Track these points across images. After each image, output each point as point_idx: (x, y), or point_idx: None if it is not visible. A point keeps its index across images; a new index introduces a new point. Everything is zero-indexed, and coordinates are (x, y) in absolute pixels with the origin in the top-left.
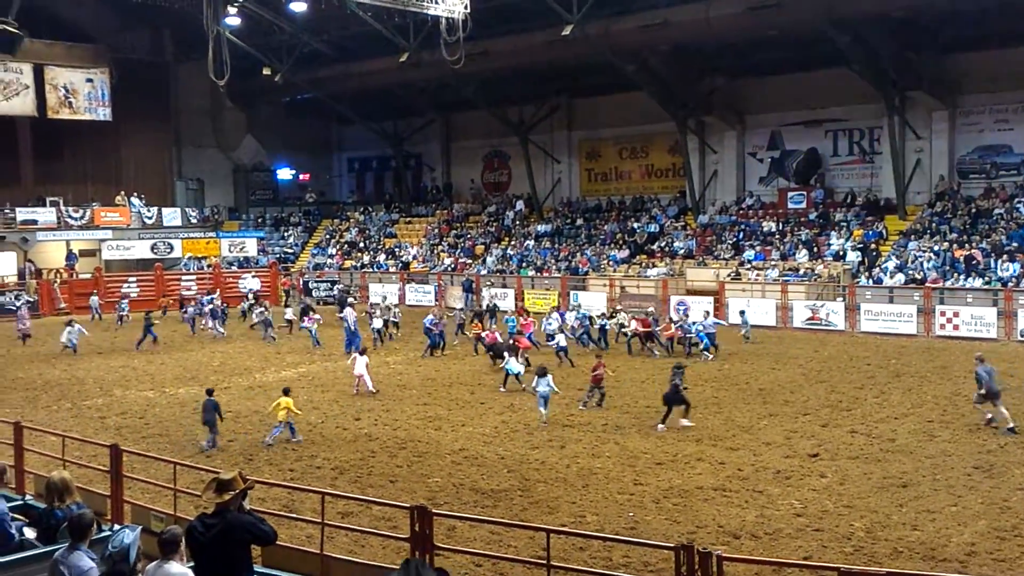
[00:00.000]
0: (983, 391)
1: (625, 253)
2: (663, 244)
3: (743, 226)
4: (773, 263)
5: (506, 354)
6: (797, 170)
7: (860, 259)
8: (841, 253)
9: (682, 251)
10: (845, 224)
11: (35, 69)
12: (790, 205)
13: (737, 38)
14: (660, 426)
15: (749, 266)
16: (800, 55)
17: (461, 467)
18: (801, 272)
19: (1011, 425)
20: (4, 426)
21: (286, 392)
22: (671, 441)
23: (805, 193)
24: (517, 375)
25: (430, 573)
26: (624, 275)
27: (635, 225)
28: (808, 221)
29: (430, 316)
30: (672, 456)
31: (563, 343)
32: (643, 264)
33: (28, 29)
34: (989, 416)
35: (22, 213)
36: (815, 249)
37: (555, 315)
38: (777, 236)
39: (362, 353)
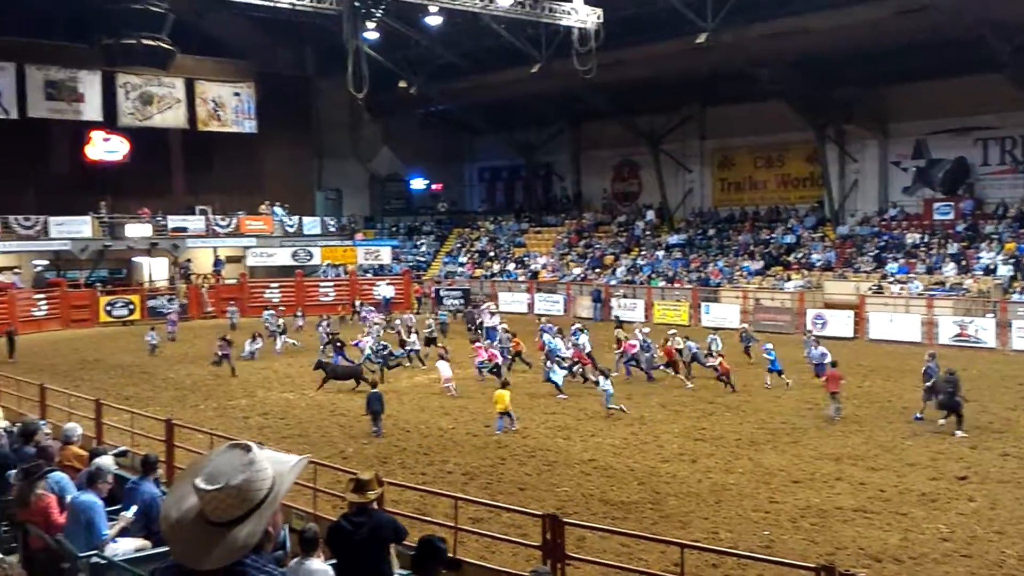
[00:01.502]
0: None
1: (759, 265)
2: (800, 256)
3: (885, 238)
4: (917, 276)
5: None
6: (944, 180)
7: (1012, 273)
8: (992, 267)
9: (820, 263)
10: (996, 236)
11: (186, 84)
12: (936, 216)
13: (879, 44)
14: (959, 432)
15: (892, 279)
16: (947, 60)
17: (590, 477)
18: (948, 286)
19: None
20: (156, 423)
21: (504, 386)
22: (808, 459)
23: (953, 204)
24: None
25: None
26: (758, 287)
27: (770, 236)
28: (956, 233)
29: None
30: (810, 475)
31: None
32: (779, 276)
33: (180, 46)
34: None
35: (173, 221)
36: (963, 262)
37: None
38: (922, 248)
39: (442, 358)
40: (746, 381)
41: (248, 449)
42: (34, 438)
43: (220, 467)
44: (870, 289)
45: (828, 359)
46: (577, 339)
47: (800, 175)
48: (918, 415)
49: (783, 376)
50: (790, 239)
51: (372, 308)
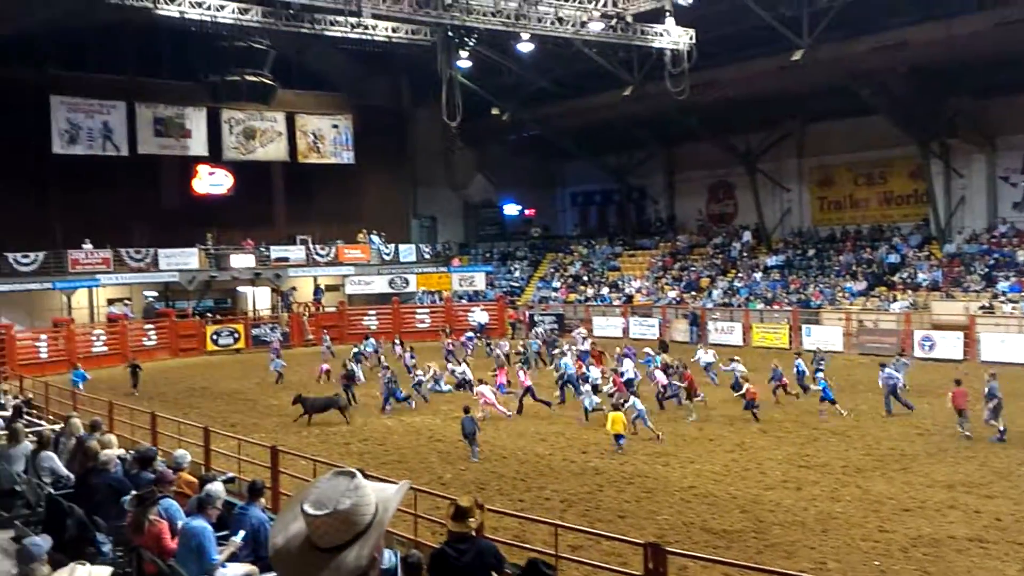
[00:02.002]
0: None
1: (863, 285)
2: (905, 275)
3: (995, 255)
4: None
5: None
6: None
7: None
8: None
9: (926, 283)
10: None
11: (287, 117)
12: None
13: (983, 56)
14: None
15: (1003, 298)
16: None
17: (691, 505)
18: None
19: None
20: (262, 450)
21: (616, 408)
22: (918, 487)
23: None
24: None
25: None
26: (862, 308)
27: (873, 255)
28: None
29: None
30: (920, 503)
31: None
32: (883, 297)
33: (281, 81)
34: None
35: (276, 251)
36: None
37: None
38: None
39: (481, 382)
40: (852, 405)
41: (353, 475)
42: (151, 464)
43: (326, 493)
44: (980, 309)
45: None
46: (650, 364)
47: (903, 192)
48: (997, 437)
49: (836, 405)
50: (894, 258)
51: (471, 334)
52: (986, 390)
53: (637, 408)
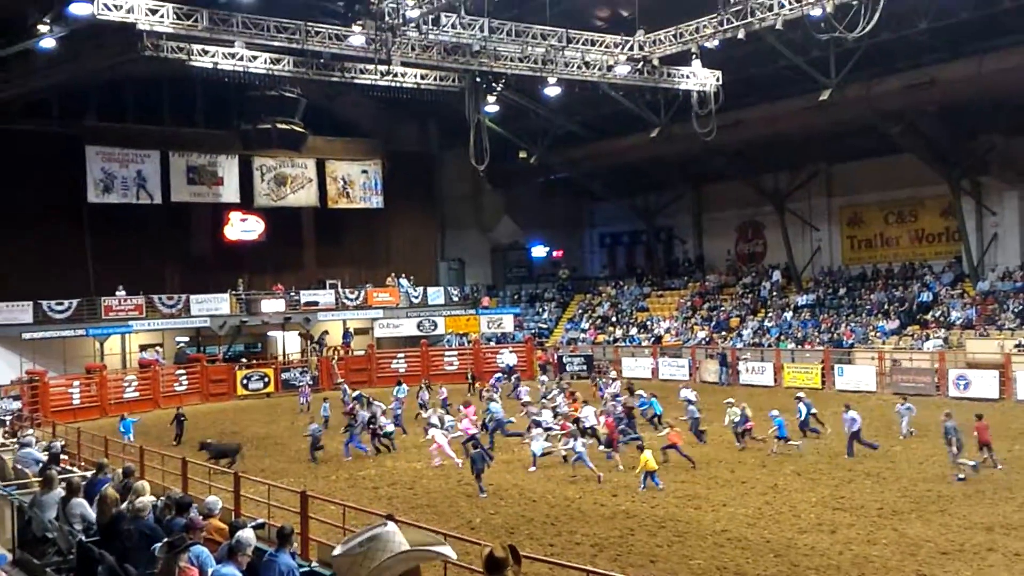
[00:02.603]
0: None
1: (895, 324)
2: (938, 314)
3: None
4: None
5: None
6: None
7: None
8: None
9: (960, 321)
10: None
11: (317, 164)
12: None
13: (1014, 93)
14: None
15: None
16: None
17: (724, 549)
18: None
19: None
20: (292, 495)
21: (641, 449)
22: (956, 529)
23: None
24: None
25: None
26: (895, 347)
27: (905, 294)
28: None
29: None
30: (959, 546)
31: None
32: (916, 336)
33: (312, 128)
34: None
35: (305, 295)
36: None
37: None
38: None
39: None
40: (887, 447)
41: (384, 525)
42: (187, 511)
43: (355, 539)
44: (1015, 347)
45: (858, 426)
46: (643, 405)
47: (935, 230)
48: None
49: (789, 441)
50: (926, 297)
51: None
52: (943, 430)
53: (576, 451)
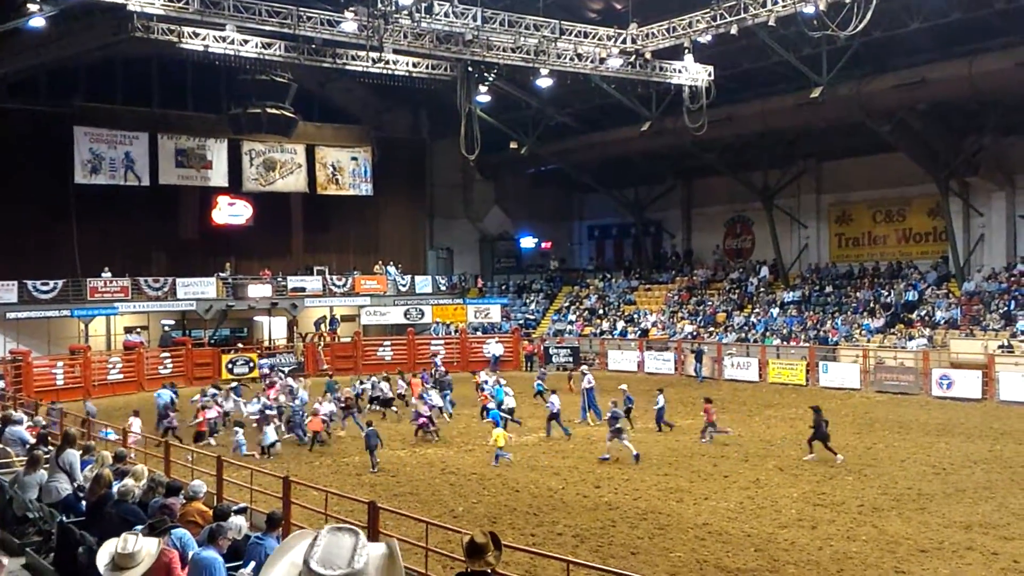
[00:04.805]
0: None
1: (880, 322)
2: (923, 313)
3: (1015, 294)
4: None
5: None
6: None
7: None
8: None
9: (945, 321)
10: None
11: (307, 149)
12: None
13: (1005, 94)
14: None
15: (1022, 338)
16: None
17: (705, 543)
18: None
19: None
20: (274, 480)
21: (497, 425)
22: (935, 527)
23: None
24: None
25: None
26: (879, 346)
27: (891, 293)
28: None
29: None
30: (938, 543)
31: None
32: (901, 335)
33: (302, 114)
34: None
35: (292, 281)
36: None
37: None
38: None
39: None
40: (869, 444)
41: (356, 534)
42: (176, 495)
43: (332, 551)
44: (999, 348)
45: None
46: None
47: (922, 230)
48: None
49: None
50: (912, 296)
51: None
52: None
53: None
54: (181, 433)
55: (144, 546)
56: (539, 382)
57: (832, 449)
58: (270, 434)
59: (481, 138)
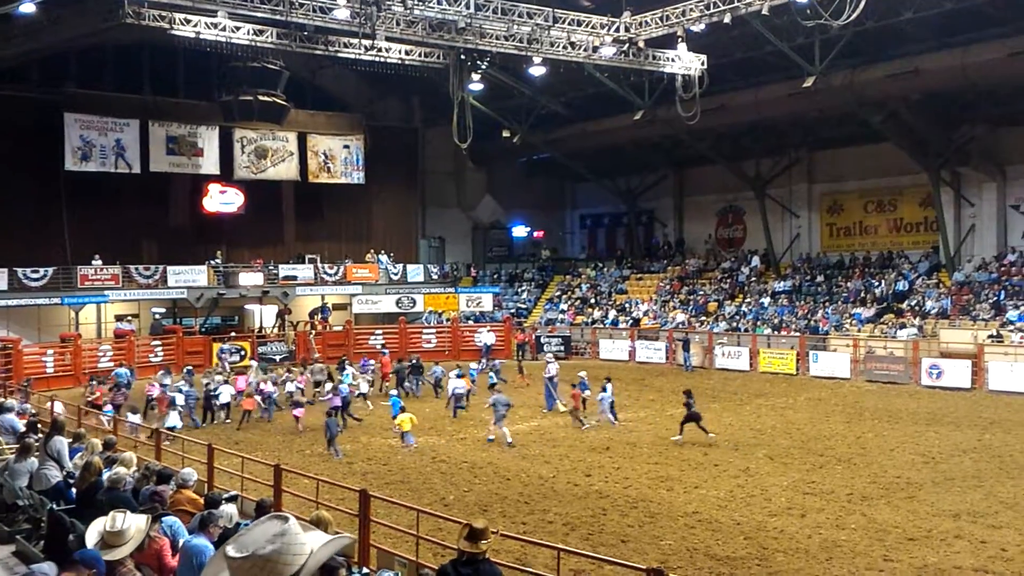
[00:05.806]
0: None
1: (871, 312)
2: (913, 303)
3: (1005, 284)
4: None
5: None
6: None
7: None
8: None
9: (935, 311)
10: None
11: (299, 137)
12: None
13: (997, 85)
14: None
15: (1012, 328)
16: None
17: (695, 531)
18: None
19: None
20: (266, 468)
21: (403, 410)
22: (924, 516)
23: None
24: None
25: None
26: (870, 335)
27: (882, 282)
28: None
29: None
30: (926, 532)
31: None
32: (891, 324)
33: (294, 101)
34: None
35: (284, 269)
36: None
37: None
38: None
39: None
40: (859, 433)
41: (284, 520)
42: (168, 483)
43: (253, 536)
44: (989, 338)
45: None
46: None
47: (913, 220)
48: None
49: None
50: (903, 286)
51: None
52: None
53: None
54: (124, 412)
55: (133, 523)
56: (492, 374)
57: (704, 428)
58: (172, 418)
59: (473, 126)
